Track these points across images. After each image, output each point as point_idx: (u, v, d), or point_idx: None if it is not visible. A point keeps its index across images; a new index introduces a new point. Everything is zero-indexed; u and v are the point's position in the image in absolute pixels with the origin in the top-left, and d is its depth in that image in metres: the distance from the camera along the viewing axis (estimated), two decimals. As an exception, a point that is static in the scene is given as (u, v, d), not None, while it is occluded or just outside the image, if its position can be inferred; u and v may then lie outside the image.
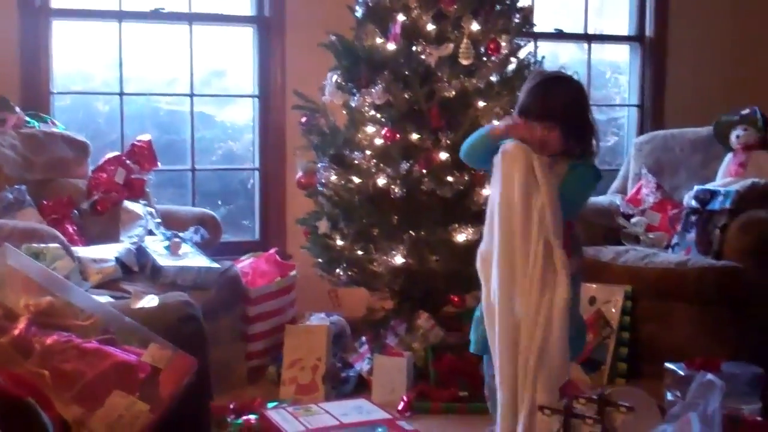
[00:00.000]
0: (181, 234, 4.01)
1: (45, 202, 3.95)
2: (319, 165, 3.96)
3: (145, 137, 4.42)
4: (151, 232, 4.00)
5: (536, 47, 5.23)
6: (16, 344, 1.71)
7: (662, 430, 2.91)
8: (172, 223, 4.20)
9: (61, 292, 1.79)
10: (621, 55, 5.86)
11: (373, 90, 3.74)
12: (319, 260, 4.07)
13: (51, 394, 1.64)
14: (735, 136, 4.63)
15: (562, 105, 2.75)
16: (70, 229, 3.86)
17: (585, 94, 2.88)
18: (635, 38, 5.69)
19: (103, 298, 2.03)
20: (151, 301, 1.87)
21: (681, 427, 2.86)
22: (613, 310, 4.08)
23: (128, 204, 4.13)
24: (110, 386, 1.70)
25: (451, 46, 3.71)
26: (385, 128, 3.74)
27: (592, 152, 2.84)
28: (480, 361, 3.07)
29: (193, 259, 3.82)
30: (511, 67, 3.94)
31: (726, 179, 4.54)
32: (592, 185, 2.85)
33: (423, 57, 3.74)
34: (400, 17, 3.78)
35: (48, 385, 1.66)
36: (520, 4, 4.01)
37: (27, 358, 1.70)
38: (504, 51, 3.84)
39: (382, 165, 3.78)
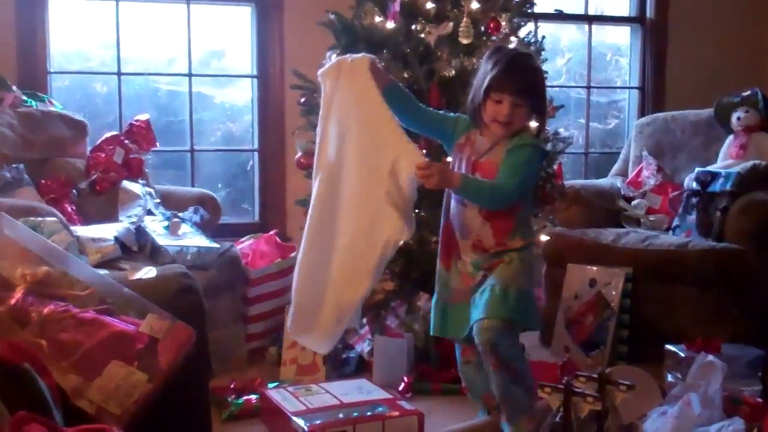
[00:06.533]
0: (180, 214, 3.99)
1: (43, 182, 3.93)
2: (318, 145, 3.94)
3: (144, 116, 4.40)
4: (150, 212, 3.98)
5: (536, 27, 5.21)
6: (12, 314, 1.70)
7: (663, 410, 2.91)
8: (171, 203, 4.19)
9: (58, 263, 1.77)
10: (622, 37, 5.84)
11: (372, 69, 3.71)
12: (319, 242, 4.05)
13: (48, 363, 1.63)
14: (736, 117, 4.62)
15: (536, 81, 2.79)
16: (69, 209, 3.85)
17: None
18: (636, 19, 5.67)
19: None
20: (148, 272, 1.86)
21: (682, 408, 2.86)
22: (614, 293, 4.07)
23: (127, 184, 4.11)
24: (108, 356, 1.69)
25: (451, 24, 3.68)
26: (385, 108, 3.71)
27: (545, 130, 2.98)
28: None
29: (193, 239, 3.81)
30: (511, 46, 3.91)
31: (727, 161, 4.53)
32: (537, 164, 2.93)
33: (422, 36, 3.71)
34: (400, -5, 3.76)
35: (45, 355, 1.65)
36: (520, -17, 3.98)
37: (24, 328, 1.69)
38: (504, 30, 3.81)
39: (381, 145, 3.75)
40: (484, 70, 2.76)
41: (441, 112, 3.03)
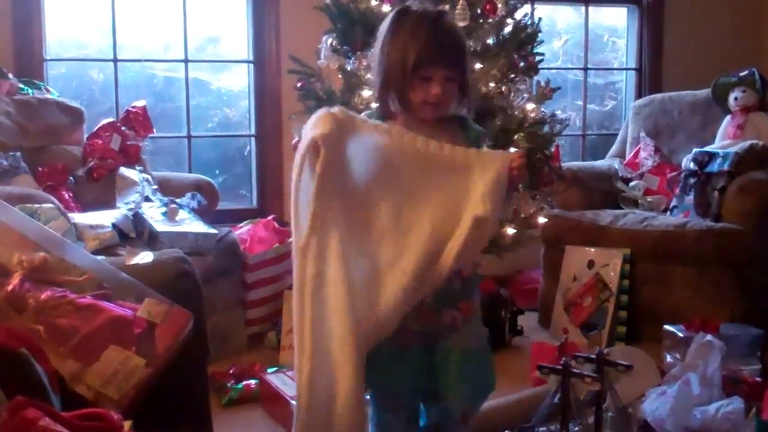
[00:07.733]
0: (177, 200, 3.99)
1: (40, 169, 3.92)
2: (315, 130, 3.93)
3: (140, 103, 4.39)
4: (147, 199, 3.98)
5: (533, 9, 5.19)
6: (9, 300, 1.70)
7: (662, 391, 2.92)
8: (168, 189, 4.18)
9: (54, 248, 1.77)
10: (619, 18, 5.82)
11: (368, 53, 3.71)
12: (317, 226, 4.04)
13: (46, 349, 1.63)
14: (733, 98, 4.61)
15: (466, 47, 2.21)
16: (66, 196, 3.84)
17: None
18: (633, 0, 5.64)
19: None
20: (145, 257, 1.86)
21: (680, 388, 2.86)
22: (612, 274, 4.08)
23: (124, 170, 4.11)
24: (106, 341, 1.70)
25: (447, 7, 3.66)
26: (382, 92, 3.69)
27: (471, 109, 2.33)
28: None
29: (191, 225, 3.80)
30: (508, 29, 3.90)
31: (724, 141, 4.53)
32: None
33: (419, 19, 3.70)
34: (396, -22, 3.74)
35: (43, 340, 1.65)
36: (516, -35, 3.96)
37: (21, 314, 1.70)
38: (500, 12, 3.80)
39: (378, 129, 3.74)
40: (399, 42, 2.13)
41: None
